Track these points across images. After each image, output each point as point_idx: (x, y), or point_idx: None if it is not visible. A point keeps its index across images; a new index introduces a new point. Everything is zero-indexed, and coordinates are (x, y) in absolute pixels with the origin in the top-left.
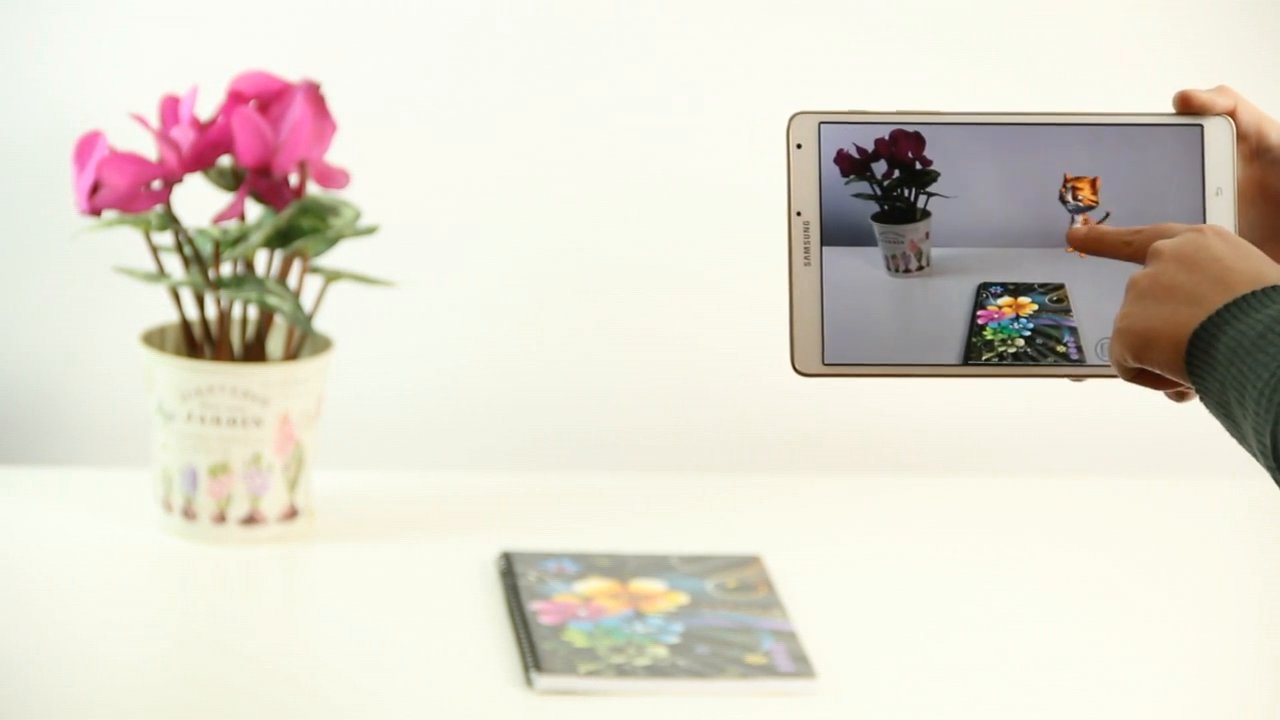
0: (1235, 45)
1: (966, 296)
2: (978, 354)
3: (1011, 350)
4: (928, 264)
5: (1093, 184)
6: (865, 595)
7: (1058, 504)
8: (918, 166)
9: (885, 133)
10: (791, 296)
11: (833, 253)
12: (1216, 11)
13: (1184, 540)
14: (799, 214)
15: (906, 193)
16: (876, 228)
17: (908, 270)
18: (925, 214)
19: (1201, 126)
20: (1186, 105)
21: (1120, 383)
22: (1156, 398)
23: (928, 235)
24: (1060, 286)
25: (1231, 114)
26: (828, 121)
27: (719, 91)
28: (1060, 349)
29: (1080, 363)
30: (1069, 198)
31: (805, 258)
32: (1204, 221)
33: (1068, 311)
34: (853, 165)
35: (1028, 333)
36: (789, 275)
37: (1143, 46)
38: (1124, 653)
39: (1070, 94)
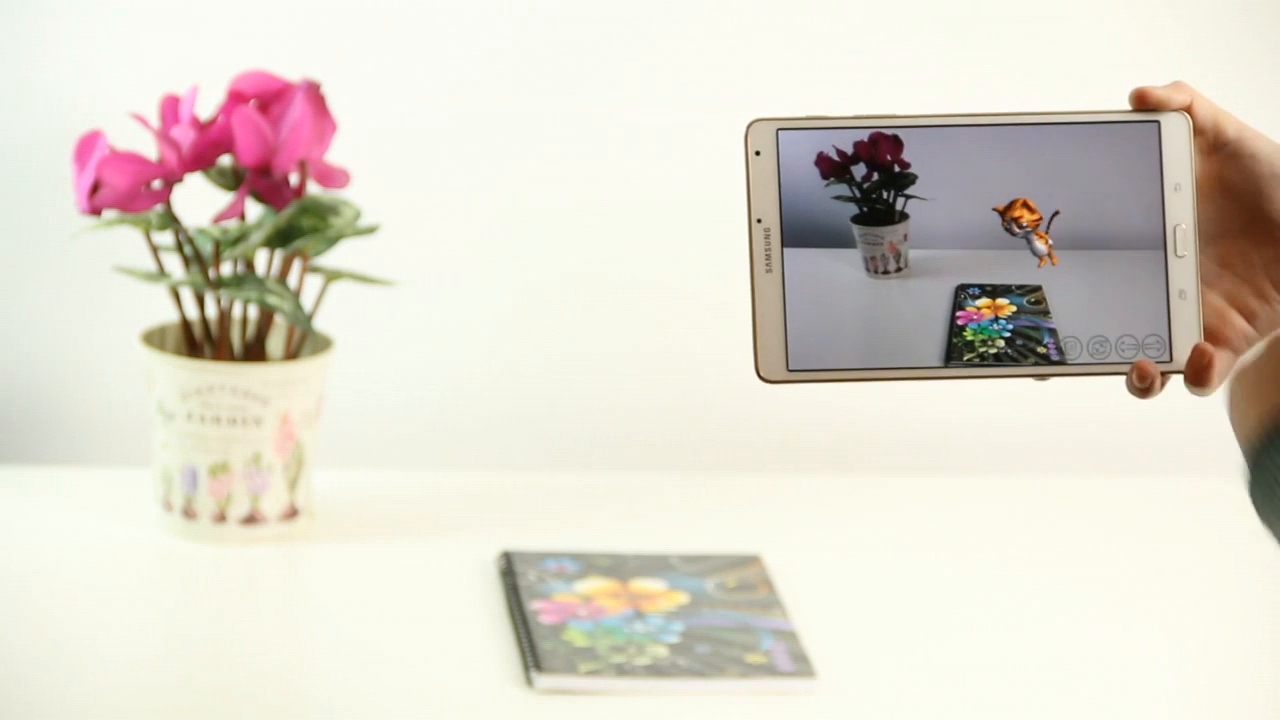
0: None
1: (945, 298)
2: (959, 354)
3: (992, 351)
4: (906, 265)
5: (1025, 204)
6: (865, 595)
7: (1058, 504)
8: (896, 169)
9: (865, 135)
10: (754, 304)
11: (794, 259)
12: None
13: (1185, 540)
14: (759, 221)
15: (885, 195)
16: (856, 229)
17: (887, 271)
18: (904, 216)
19: (1158, 122)
20: (1142, 102)
21: (1120, 382)
22: (1156, 399)
23: (906, 237)
24: (1038, 288)
25: (1188, 109)
26: (785, 128)
27: (720, 92)
28: (1040, 350)
29: (1060, 363)
30: (1014, 229)
31: (766, 264)
32: (1163, 217)
33: (1046, 313)
34: (833, 168)
35: (1008, 334)
36: (751, 282)
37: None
38: (1124, 652)
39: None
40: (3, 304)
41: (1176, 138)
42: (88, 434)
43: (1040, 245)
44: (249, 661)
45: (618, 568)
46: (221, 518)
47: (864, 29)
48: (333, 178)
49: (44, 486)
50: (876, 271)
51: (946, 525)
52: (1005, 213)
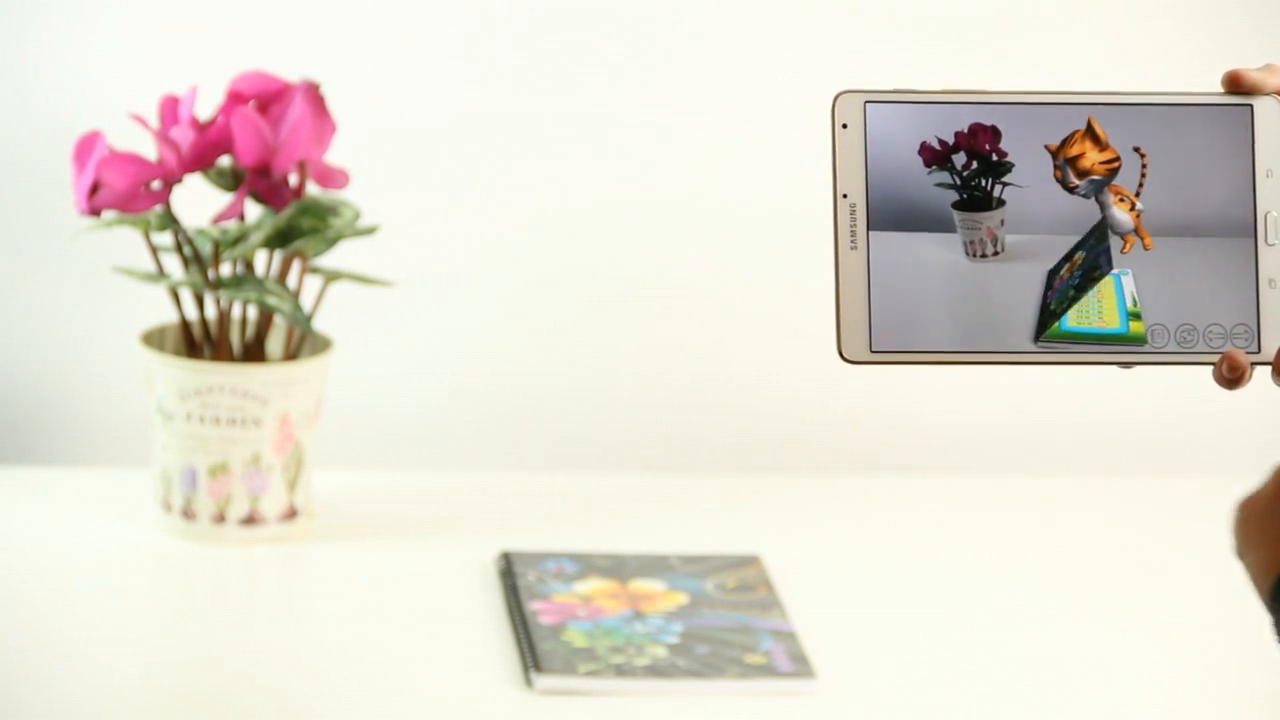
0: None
1: (1037, 281)
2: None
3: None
4: (1003, 249)
5: (1090, 135)
6: (865, 595)
7: (1058, 504)
8: (994, 158)
9: (964, 126)
10: (837, 282)
11: (881, 236)
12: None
13: (1184, 540)
14: (845, 196)
15: (984, 182)
16: (956, 215)
17: (984, 255)
18: (1001, 202)
19: (1251, 106)
20: (1236, 85)
21: (1121, 381)
22: (1155, 399)
23: (1003, 222)
24: (1126, 274)
25: None
26: (873, 101)
27: (720, 92)
28: None
29: (1147, 351)
30: (1073, 178)
31: (852, 241)
32: (1254, 204)
33: None
34: (935, 157)
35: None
36: (835, 259)
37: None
38: (1124, 652)
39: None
40: (2, 304)
41: (1270, 123)
42: (88, 434)
43: (1122, 216)
44: (248, 662)
45: (617, 568)
46: (221, 518)
47: (867, 28)
48: (332, 178)
49: (44, 486)
50: (975, 255)
51: (947, 525)
52: (1060, 151)
